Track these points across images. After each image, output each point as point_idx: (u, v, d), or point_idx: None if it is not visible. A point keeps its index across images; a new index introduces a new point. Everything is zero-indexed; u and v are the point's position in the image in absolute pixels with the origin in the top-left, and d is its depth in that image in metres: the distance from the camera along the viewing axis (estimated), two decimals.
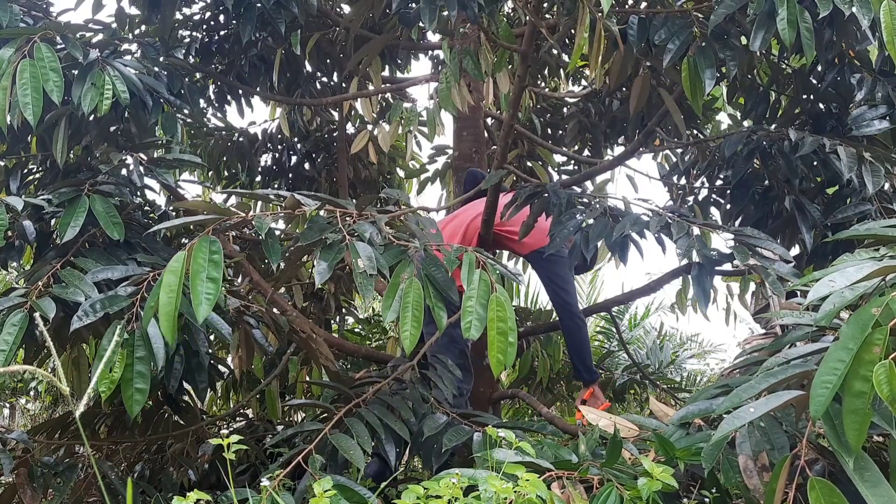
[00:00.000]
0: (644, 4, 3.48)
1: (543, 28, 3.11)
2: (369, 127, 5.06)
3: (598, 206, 3.10)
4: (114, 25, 3.88)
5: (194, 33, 4.57)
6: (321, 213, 2.45)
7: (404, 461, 2.93)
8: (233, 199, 5.71)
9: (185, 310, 2.42)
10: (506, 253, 5.38)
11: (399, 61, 5.35)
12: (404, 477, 2.75)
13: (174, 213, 3.51)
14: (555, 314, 6.11)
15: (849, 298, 1.57)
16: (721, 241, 2.94)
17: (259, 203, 4.74)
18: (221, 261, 2.18)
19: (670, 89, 3.64)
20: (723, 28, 2.93)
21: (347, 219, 2.41)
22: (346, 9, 4.94)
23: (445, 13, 3.06)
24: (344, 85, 5.18)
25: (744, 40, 2.99)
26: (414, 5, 3.61)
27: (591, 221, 3.02)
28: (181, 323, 2.55)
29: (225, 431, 1.83)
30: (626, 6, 3.26)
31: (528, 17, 3.25)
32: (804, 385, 1.71)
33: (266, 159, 5.80)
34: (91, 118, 2.98)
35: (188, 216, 2.50)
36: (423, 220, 2.64)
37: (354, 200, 2.61)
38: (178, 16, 4.48)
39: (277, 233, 4.88)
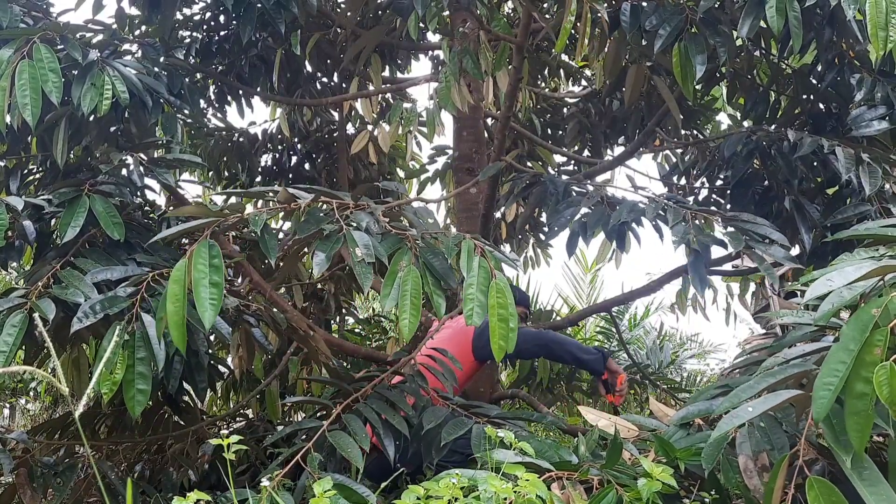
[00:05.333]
0: None
1: (536, 13, 3.12)
2: (369, 127, 5.05)
3: (595, 194, 3.10)
4: (114, 26, 3.88)
5: (194, 34, 4.57)
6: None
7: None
8: (233, 200, 5.71)
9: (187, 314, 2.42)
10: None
11: (399, 61, 5.35)
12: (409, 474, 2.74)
13: (175, 221, 3.51)
14: (555, 314, 6.12)
15: (847, 298, 1.57)
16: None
17: (259, 202, 4.74)
18: (222, 264, 2.17)
19: (669, 88, 3.65)
20: (713, 15, 2.95)
21: (344, 210, 2.40)
22: (349, 13, 4.94)
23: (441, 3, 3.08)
24: (344, 85, 5.18)
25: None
26: None
27: (588, 210, 3.02)
28: None
29: (225, 431, 1.83)
30: None
31: (522, 2, 3.26)
32: (803, 384, 1.71)
33: (266, 160, 5.80)
34: (91, 118, 2.97)
35: (185, 223, 2.49)
36: (420, 210, 2.63)
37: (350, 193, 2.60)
38: (179, 16, 4.48)
39: (280, 235, 4.90)
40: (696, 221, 2.79)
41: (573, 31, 2.90)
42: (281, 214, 2.67)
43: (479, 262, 2.20)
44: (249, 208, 2.39)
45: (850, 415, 1.47)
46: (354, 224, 2.29)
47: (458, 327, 3.32)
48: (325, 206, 2.44)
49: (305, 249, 3.15)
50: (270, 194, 2.59)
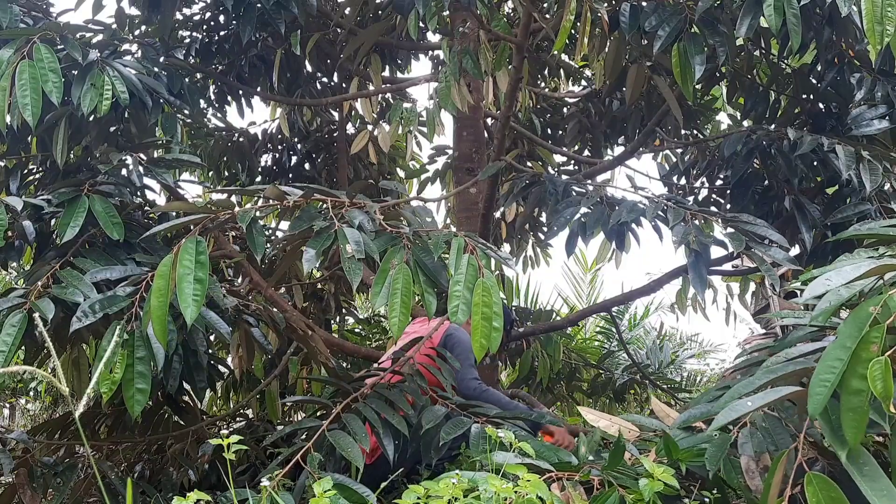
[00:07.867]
0: None
1: (536, 13, 3.12)
2: (369, 127, 5.06)
3: (595, 194, 3.10)
4: (114, 26, 3.88)
5: (194, 34, 4.57)
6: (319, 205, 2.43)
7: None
8: (233, 198, 5.71)
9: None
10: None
11: (399, 61, 5.35)
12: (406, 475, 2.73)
13: (174, 215, 3.51)
14: (555, 314, 6.12)
15: (845, 296, 1.57)
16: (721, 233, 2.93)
17: (260, 201, 4.73)
18: (207, 260, 2.19)
19: (669, 88, 3.65)
20: (712, 15, 2.96)
21: (339, 208, 2.40)
22: (348, 11, 4.94)
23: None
24: (344, 85, 5.18)
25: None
26: None
27: (587, 210, 3.02)
28: (179, 323, 2.55)
29: (225, 431, 1.83)
30: None
31: (522, 1, 3.26)
32: (803, 382, 1.71)
33: (266, 160, 5.80)
34: (91, 118, 2.98)
35: (180, 218, 2.50)
36: (419, 209, 2.63)
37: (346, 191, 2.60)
38: (178, 16, 4.48)
39: (279, 234, 4.90)
40: (696, 221, 2.80)
41: (573, 31, 2.89)
42: (277, 214, 2.68)
43: (468, 260, 2.20)
44: (248, 207, 2.40)
45: (846, 411, 1.47)
46: (348, 221, 2.29)
47: (426, 330, 3.22)
48: (320, 204, 2.44)
49: (304, 249, 3.14)
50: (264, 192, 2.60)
